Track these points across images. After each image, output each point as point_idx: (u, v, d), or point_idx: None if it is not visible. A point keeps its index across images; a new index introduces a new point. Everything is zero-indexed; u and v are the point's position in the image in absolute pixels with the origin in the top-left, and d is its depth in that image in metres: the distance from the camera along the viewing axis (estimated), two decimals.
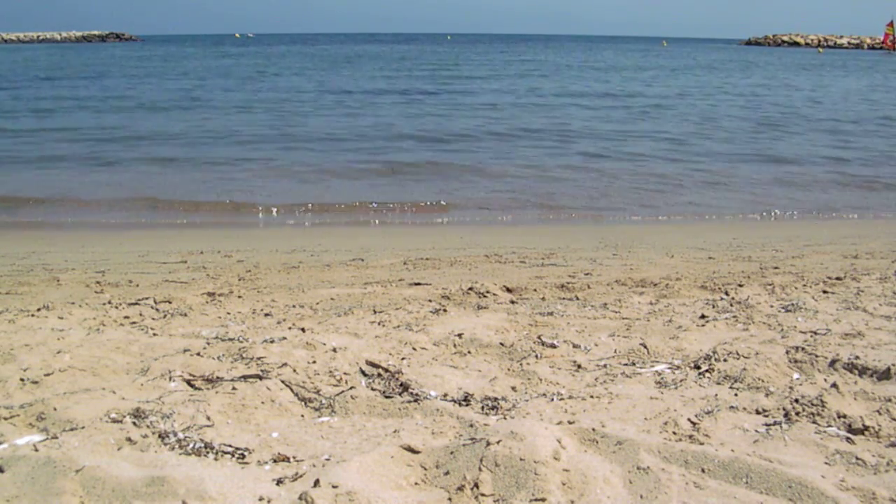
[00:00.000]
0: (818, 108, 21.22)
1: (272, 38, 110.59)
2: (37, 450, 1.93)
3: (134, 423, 2.16)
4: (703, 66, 45.37)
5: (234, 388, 2.43)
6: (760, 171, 11.52)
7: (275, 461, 1.99)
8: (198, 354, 2.85)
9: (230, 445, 2.07)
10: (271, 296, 4.20)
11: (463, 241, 6.73)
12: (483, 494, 1.79)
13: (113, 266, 5.36)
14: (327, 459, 1.99)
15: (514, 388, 2.59)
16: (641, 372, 2.73)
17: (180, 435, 2.11)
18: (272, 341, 3.02)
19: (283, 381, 2.50)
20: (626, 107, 20.36)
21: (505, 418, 2.27)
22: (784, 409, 2.30)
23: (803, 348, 2.83)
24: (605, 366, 2.82)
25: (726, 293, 4.08)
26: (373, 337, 3.12)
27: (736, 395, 2.47)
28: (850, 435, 2.12)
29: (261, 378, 2.54)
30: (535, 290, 4.28)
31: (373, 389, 2.52)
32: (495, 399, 2.46)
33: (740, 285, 4.33)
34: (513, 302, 3.99)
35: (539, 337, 3.15)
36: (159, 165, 11.01)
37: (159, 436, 2.10)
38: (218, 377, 2.57)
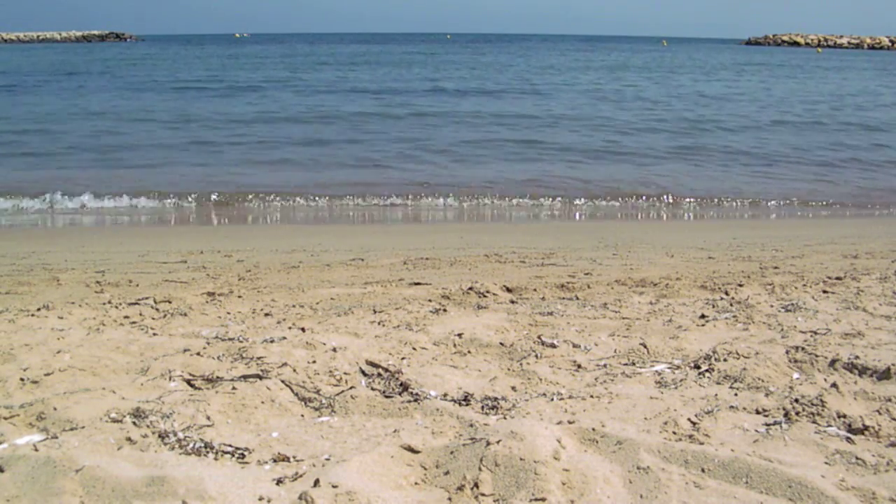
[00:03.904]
0: None
1: (269, 38, 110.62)
2: (37, 450, 1.93)
3: (134, 423, 2.16)
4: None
5: (234, 388, 2.43)
6: None
7: (275, 461, 2.00)
8: (198, 354, 2.85)
9: (230, 445, 2.07)
10: (271, 296, 4.20)
11: (463, 240, 6.73)
12: (483, 494, 1.79)
13: (113, 266, 5.36)
14: (327, 459, 1.99)
15: (514, 388, 2.59)
16: (641, 372, 2.73)
17: (180, 435, 2.11)
18: (272, 341, 3.02)
19: (283, 381, 2.50)
20: None
21: (505, 418, 2.27)
22: (784, 408, 2.30)
23: (803, 348, 2.83)
24: (605, 365, 2.82)
25: (726, 293, 4.08)
26: (373, 337, 3.13)
27: (736, 394, 2.47)
28: (850, 435, 2.12)
29: (261, 378, 2.54)
30: (535, 289, 4.28)
31: (373, 389, 2.52)
32: (495, 399, 2.46)
33: (740, 285, 4.33)
34: (513, 302, 3.99)
35: (539, 337, 3.15)
36: None
37: (159, 436, 2.10)
38: (218, 377, 2.57)
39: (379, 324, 3.37)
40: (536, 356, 2.91)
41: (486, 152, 13.08)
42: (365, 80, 28.35)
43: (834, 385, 2.41)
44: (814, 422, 2.20)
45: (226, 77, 28.65)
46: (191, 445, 2.06)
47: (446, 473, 1.89)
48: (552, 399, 2.45)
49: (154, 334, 3.20)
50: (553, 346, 3.04)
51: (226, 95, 22.00)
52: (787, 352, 2.81)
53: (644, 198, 10.04)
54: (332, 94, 22.61)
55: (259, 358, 2.77)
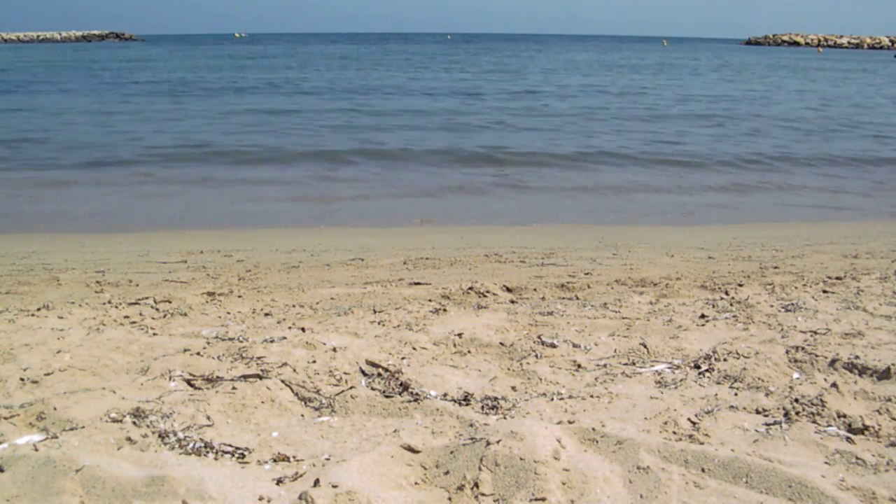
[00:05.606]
0: None
1: (270, 38, 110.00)
2: (37, 449, 1.93)
3: (134, 423, 2.16)
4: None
5: (234, 388, 2.43)
6: None
7: (275, 461, 2.00)
8: (198, 354, 2.85)
9: (230, 445, 2.07)
10: (271, 295, 4.20)
11: (463, 240, 6.73)
12: (483, 494, 1.79)
13: (113, 266, 5.36)
14: (327, 459, 1.99)
15: (514, 388, 2.59)
16: (641, 371, 2.73)
17: (180, 435, 2.11)
18: (272, 341, 3.02)
19: (283, 381, 2.50)
20: None
21: (505, 418, 2.27)
22: (784, 408, 2.30)
23: (803, 348, 2.83)
24: (605, 365, 2.82)
25: (726, 293, 4.08)
26: (373, 336, 3.13)
27: (736, 394, 2.47)
28: (850, 435, 2.12)
29: (261, 378, 2.54)
30: (534, 289, 4.28)
31: (373, 389, 2.52)
32: (495, 399, 2.46)
33: (740, 285, 4.33)
34: (513, 302, 3.99)
35: (539, 336, 3.15)
36: None
37: (159, 435, 2.10)
38: (218, 377, 2.57)
39: (379, 324, 3.37)
40: (536, 356, 2.91)
41: None
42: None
43: (834, 385, 2.41)
44: (814, 422, 2.20)
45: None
46: (191, 445, 2.06)
47: (446, 473, 1.89)
48: (552, 399, 2.45)
49: (154, 334, 3.19)
50: (553, 345, 3.04)
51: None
52: (787, 352, 2.81)
53: None
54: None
55: (259, 358, 2.77)
